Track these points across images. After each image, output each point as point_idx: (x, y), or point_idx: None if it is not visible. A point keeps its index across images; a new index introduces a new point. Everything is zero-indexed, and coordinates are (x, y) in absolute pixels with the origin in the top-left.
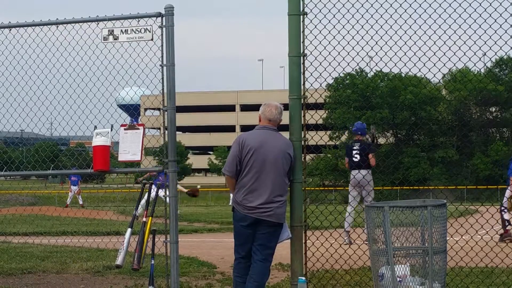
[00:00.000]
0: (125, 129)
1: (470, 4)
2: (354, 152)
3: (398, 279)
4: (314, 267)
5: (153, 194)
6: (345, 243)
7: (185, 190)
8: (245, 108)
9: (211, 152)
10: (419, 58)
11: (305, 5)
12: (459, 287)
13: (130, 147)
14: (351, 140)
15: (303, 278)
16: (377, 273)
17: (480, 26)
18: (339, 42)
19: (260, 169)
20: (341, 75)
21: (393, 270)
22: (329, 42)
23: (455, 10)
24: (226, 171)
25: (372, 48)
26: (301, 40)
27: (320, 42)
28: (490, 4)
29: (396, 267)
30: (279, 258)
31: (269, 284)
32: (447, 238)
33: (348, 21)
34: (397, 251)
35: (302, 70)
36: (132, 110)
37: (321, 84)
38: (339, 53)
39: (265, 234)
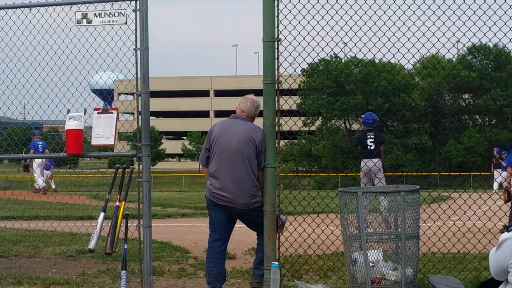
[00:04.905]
0: (98, 113)
1: None
2: (369, 141)
3: (371, 264)
4: (287, 252)
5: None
6: None
7: None
8: (219, 93)
9: (185, 138)
10: (393, 44)
11: None
12: (431, 273)
13: (104, 131)
14: (363, 130)
15: (276, 263)
16: (350, 258)
17: (454, 13)
18: (313, 27)
19: (222, 155)
20: (315, 60)
21: (366, 255)
22: (304, 27)
23: None
24: (199, 161)
25: (346, 33)
26: (276, 25)
27: (295, 27)
28: None
29: (369, 252)
30: (252, 243)
31: (242, 269)
32: (420, 224)
33: (322, 6)
34: (370, 237)
35: (276, 55)
36: (106, 94)
37: (295, 69)
38: (313, 38)
39: (243, 218)
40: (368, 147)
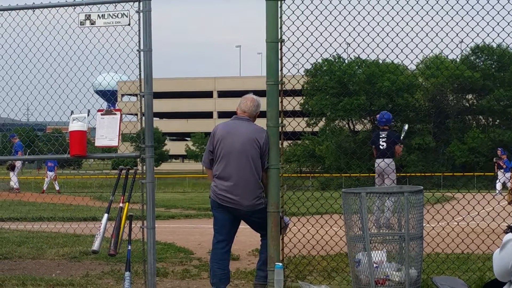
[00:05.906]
0: (102, 114)
1: None
2: (381, 140)
3: (374, 265)
4: (291, 253)
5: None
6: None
7: None
8: (223, 94)
9: (188, 139)
10: (397, 45)
11: None
12: (435, 273)
13: (107, 133)
14: (378, 129)
15: (280, 264)
16: (354, 259)
17: (457, 13)
18: (316, 28)
19: (227, 157)
20: (319, 61)
21: (369, 256)
22: (307, 28)
23: None
24: (202, 163)
25: (349, 34)
26: (279, 26)
27: (298, 28)
28: None
29: (372, 253)
30: (256, 244)
31: (246, 270)
32: (424, 224)
33: (326, 7)
34: (373, 237)
35: (279, 56)
36: (109, 95)
37: (298, 70)
38: (316, 39)
39: (247, 219)
40: (380, 147)
